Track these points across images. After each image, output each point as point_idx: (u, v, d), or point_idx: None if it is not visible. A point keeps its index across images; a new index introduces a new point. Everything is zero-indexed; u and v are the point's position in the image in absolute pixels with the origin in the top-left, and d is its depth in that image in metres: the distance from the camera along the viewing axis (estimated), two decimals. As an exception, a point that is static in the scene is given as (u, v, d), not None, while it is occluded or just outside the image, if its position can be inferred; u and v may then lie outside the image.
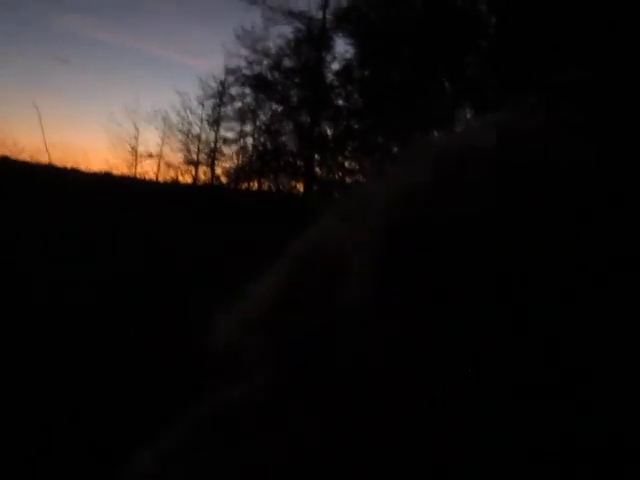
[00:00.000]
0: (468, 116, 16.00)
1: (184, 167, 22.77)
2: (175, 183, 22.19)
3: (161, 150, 22.78)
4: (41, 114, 17.99)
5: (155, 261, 6.98)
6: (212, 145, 22.47)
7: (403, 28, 15.22)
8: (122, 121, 30.70)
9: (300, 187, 20.65)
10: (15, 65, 34.13)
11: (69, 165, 15.71)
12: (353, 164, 19.61)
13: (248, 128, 22.23)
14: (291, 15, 19.68)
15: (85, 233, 7.92)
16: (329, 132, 20.27)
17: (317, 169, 20.10)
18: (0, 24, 34.79)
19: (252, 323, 0.45)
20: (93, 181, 16.39)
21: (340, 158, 19.77)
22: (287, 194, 20.31)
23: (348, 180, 19.36)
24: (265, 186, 21.44)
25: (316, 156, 19.98)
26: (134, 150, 22.42)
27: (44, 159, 13.56)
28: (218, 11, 33.88)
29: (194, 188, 21.22)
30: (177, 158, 22.98)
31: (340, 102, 19.61)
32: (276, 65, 20.43)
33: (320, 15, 19.50)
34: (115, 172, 21.96)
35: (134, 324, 4.43)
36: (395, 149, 17.57)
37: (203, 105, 22.44)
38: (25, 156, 13.44)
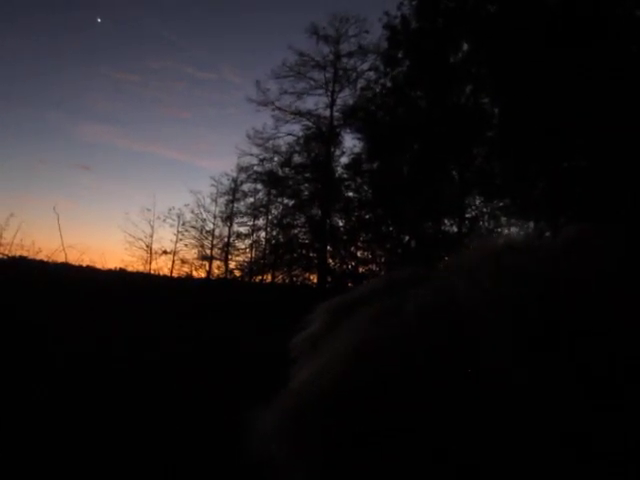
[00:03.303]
0: (477, 203, 16.24)
1: (198, 262, 23.02)
2: (189, 278, 22.33)
3: (175, 247, 23.13)
4: (60, 218, 18.52)
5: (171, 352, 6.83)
6: (225, 240, 22.83)
7: (410, 124, 15.80)
8: (138, 221, 31.46)
9: (314, 278, 20.67)
10: (37, 173, 35.64)
11: (85, 264, 15.89)
12: (365, 254, 19.72)
13: (261, 222, 22.70)
14: (300, 114, 20.75)
15: (98, 326, 7.83)
16: (340, 224, 20.63)
17: (330, 260, 20.19)
18: (22, 134, 36.71)
19: (296, 414, 0.36)
20: (107, 277, 16.54)
21: (352, 248, 19.91)
22: (301, 285, 20.27)
23: (361, 270, 19.40)
24: (279, 279, 21.47)
25: (328, 247, 20.14)
26: (149, 248, 22.80)
27: (61, 259, 13.72)
28: (229, 115, 35.61)
29: (208, 282, 21.30)
30: (191, 254, 23.27)
31: (350, 194, 20.13)
32: (287, 161, 21.19)
33: (328, 113, 20.54)
34: (130, 269, 22.19)
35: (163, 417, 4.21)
36: (406, 238, 17.70)
37: (216, 202, 23.04)
38: (42, 256, 13.60)
